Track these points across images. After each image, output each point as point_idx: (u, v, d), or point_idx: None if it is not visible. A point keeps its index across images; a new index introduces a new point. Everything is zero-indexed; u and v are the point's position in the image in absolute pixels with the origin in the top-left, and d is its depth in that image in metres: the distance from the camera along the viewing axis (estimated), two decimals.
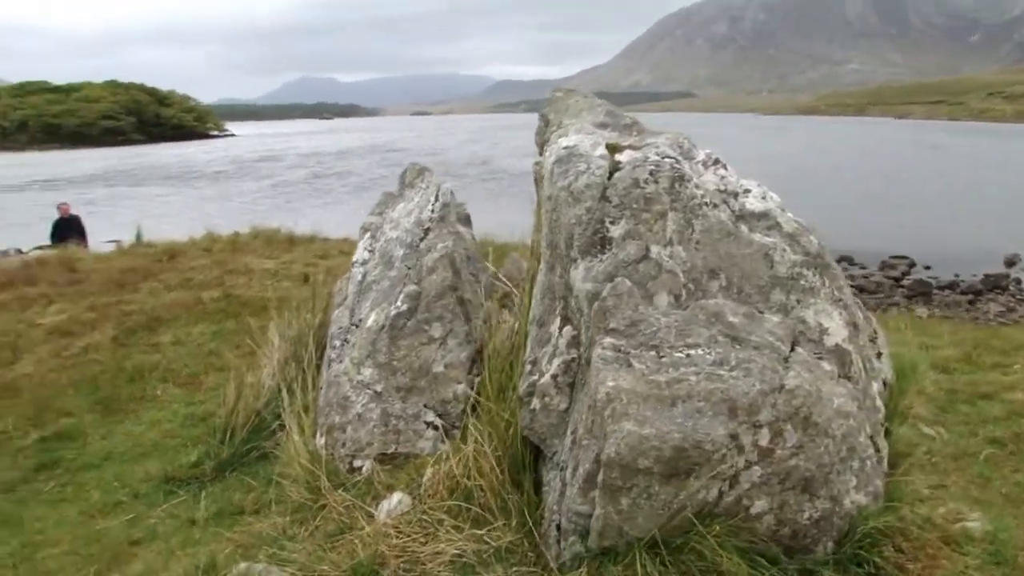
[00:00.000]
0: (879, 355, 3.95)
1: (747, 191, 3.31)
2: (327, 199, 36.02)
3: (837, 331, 3.10)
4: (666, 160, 3.13)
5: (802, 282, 3.11)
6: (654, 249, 2.96)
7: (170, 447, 4.85)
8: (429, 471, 3.49)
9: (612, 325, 2.81)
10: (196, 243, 13.98)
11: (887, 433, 3.46)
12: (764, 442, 2.72)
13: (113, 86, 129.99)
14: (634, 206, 3.00)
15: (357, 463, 3.80)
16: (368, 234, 4.64)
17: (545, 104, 3.87)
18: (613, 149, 3.21)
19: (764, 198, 3.30)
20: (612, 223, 2.99)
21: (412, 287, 4.08)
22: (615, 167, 3.11)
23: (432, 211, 4.31)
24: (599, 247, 2.98)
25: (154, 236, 15.33)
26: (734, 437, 2.66)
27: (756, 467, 2.71)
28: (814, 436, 2.78)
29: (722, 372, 2.72)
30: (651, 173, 3.05)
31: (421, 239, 4.25)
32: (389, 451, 3.79)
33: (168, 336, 7.36)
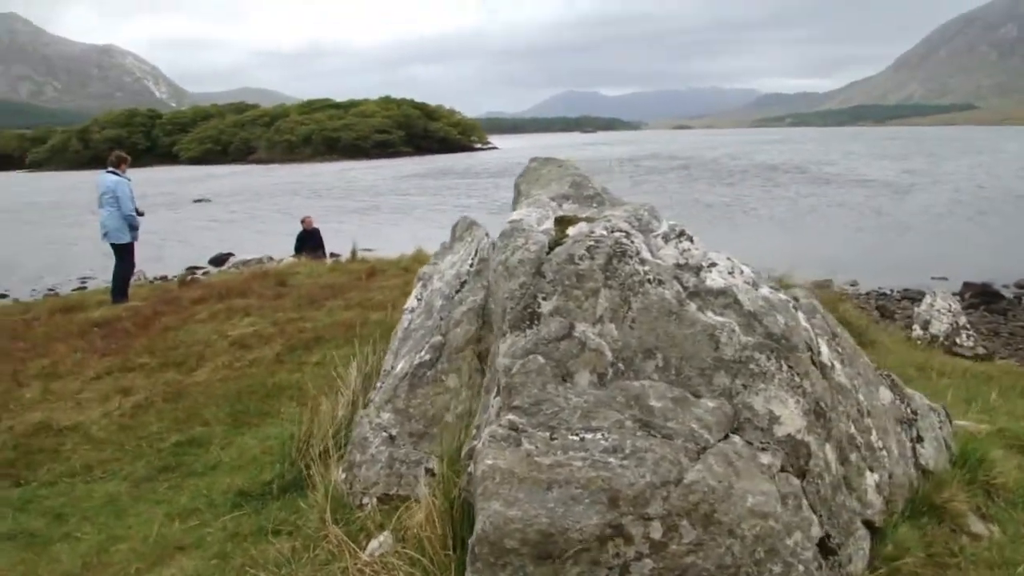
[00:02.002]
0: (918, 438, 3.61)
1: (712, 265, 3.19)
2: None
3: (791, 420, 2.92)
4: (614, 235, 3.11)
5: (751, 366, 2.95)
6: (580, 327, 2.96)
7: (263, 463, 5.42)
8: (416, 517, 3.69)
9: (516, 402, 2.86)
10: (399, 261, 15.02)
11: (875, 530, 3.16)
12: (657, 536, 2.64)
13: (386, 102, 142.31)
14: (566, 283, 3.01)
15: (364, 500, 4.09)
16: (420, 283, 4.92)
17: (522, 173, 3.92)
18: (565, 222, 3.23)
19: (730, 273, 3.16)
20: (544, 299, 3.02)
21: (438, 338, 4.29)
22: (556, 242, 3.14)
23: (470, 265, 4.50)
24: (528, 323, 3.02)
25: (401, 249, 16.54)
26: (617, 528, 2.61)
27: (648, 559, 2.64)
28: (716, 535, 2.65)
29: (611, 460, 2.68)
30: (588, 249, 3.04)
31: (456, 291, 4.46)
32: (391, 492, 4.03)
33: (316, 356, 8.12)
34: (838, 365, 3.27)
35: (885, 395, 3.56)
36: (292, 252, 19.64)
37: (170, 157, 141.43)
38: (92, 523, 4.77)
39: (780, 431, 2.90)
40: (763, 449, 2.86)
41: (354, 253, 16.87)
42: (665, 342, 2.98)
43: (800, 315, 3.18)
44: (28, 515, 5.03)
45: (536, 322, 3.01)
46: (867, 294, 20.24)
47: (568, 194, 3.48)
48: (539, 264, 3.07)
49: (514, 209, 3.73)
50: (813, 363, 3.10)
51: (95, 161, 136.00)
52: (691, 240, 3.23)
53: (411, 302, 4.86)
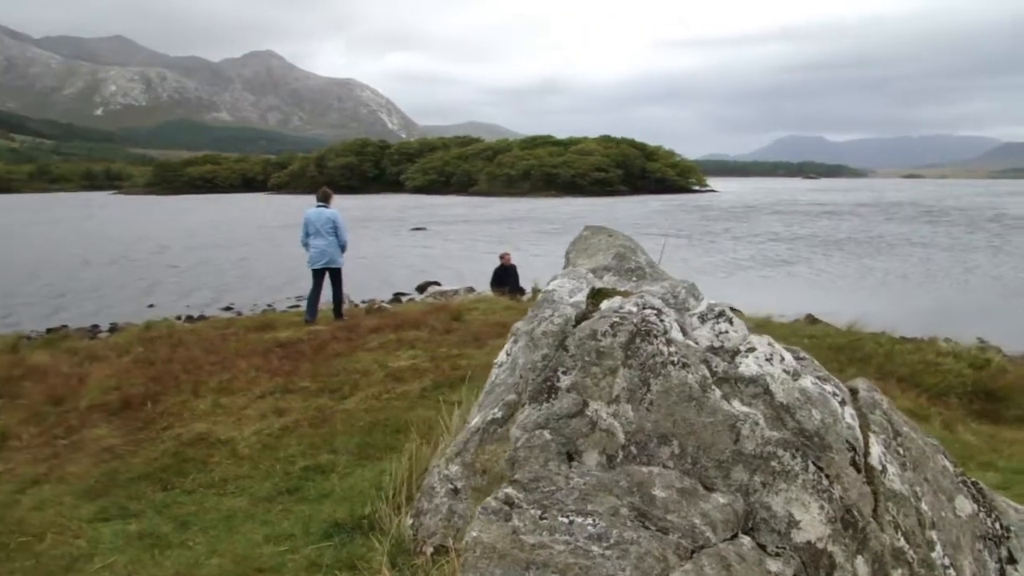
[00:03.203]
0: (1009, 559, 3.24)
1: (750, 350, 3.02)
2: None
3: (812, 526, 2.70)
4: (644, 312, 3.03)
5: (773, 463, 2.76)
6: (593, 405, 2.91)
7: (367, 498, 5.66)
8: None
9: (516, 476, 2.85)
10: None
11: None
12: None
13: (605, 140, 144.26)
14: (586, 359, 2.97)
15: (424, 549, 4.19)
16: (513, 338, 4.99)
17: (574, 241, 3.85)
18: (601, 296, 3.19)
19: (768, 360, 2.98)
20: (564, 373, 3.00)
21: (512, 396, 4.34)
22: (584, 315, 3.10)
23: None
24: (546, 396, 3.01)
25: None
26: None
27: None
28: None
29: (594, 548, 2.59)
30: (611, 326, 2.99)
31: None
32: (447, 544, 4.10)
33: (457, 395, 8.36)
34: (893, 468, 2.96)
35: (964, 506, 3.17)
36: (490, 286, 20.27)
37: (396, 185, 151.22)
38: (205, 534, 5.22)
39: (799, 537, 2.68)
40: (776, 555, 2.66)
41: (535, 291, 17.23)
42: (683, 429, 2.85)
43: (846, 411, 2.93)
44: (161, 519, 5.59)
45: (553, 396, 2.99)
46: None
47: (610, 266, 3.44)
48: (563, 337, 3.06)
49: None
50: (854, 465, 2.84)
51: (327, 186, 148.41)
52: (730, 322, 3.08)
53: (501, 356, 4.93)
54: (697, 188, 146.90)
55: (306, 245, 13.95)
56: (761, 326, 12.69)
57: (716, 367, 2.95)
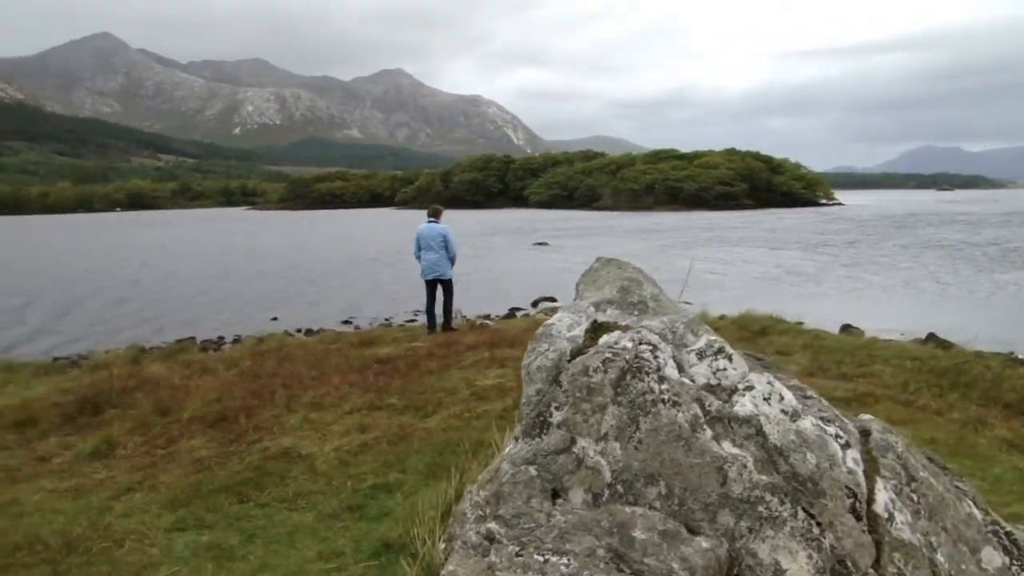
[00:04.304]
0: None
1: (748, 388, 2.92)
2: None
3: None
4: (640, 347, 2.99)
5: (760, 508, 2.67)
6: (581, 443, 2.89)
7: (424, 519, 5.77)
8: None
9: (500, 511, 2.86)
10: (732, 321, 14.67)
11: None
12: None
13: (730, 154, 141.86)
14: (577, 395, 2.95)
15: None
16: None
17: (584, 273, 3.77)
18: (601, 330, 3.16)
19: (766, 399, 2.88)
20: (557, 409, 2.99)
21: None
22: (580, 350, 3.08)
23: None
24: (537, 431, 3.01)
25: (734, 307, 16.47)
26: None
27: None
28: None
29: None
30: (603, 362, 2.95)
31: None
32: None
33: None
34: (902, 516, 2.79)
35: (992, 558, 2.95)
36: None
37: (520, 200, 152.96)
38: (266, 548, 5.45)
39: None
40: None
41: None
42: (670, 469, 2.79)
43: (848, 454, 2.79)
44: (232, 531, 5.88)
45: (544, 431, 2.98)
46: None
47: (613, 299, 3.37)
48: (557, 372, 3.05)
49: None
50: (854, 512, 2.70)
51: (452, 201, 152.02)
52: (729, 359, 2.98)
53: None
54: (824, 201, 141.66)
55: (418, 258, 14.71)
56: (863, 347, 12.11)
57: (709, 406, 2.87)
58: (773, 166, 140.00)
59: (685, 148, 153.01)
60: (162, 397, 10.18)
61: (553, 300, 30.08)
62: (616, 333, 3.11)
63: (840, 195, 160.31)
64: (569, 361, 3.06)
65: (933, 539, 2.85)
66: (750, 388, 2.90)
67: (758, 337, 12.07)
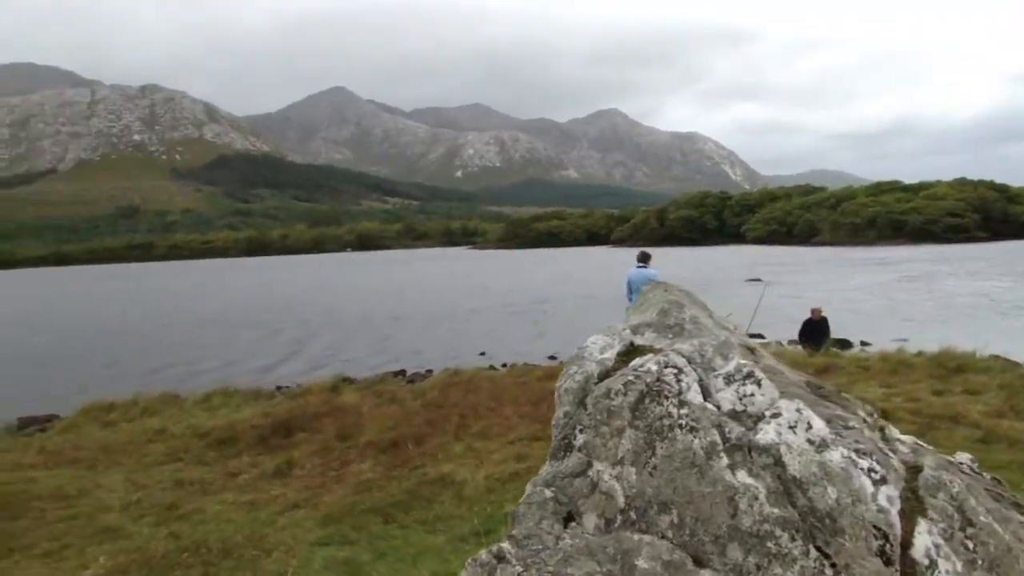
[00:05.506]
0: None
1: (775, 415, 2.75)
2: None
3: None
4: (665, 370, 2.91)
5: (769, 543, 2.50)
6: (597, 466, 2.84)
7: None
8: None
9: (514, 531, 2.86)
10: (904, 359, 13.78)
11: None
12: None
13: (960, 184, 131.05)
14: (599, 417, 2.92)
15: None
16: None
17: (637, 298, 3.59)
18: (634, 353, 3.10)
19: (791, 427, 2.70)
20: (581, 432, 2.97)
21: None
22: (607, 373, 3.04)
23: None
24: (563, 453, 3.00)
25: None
26: None
27: None
28: None
29: None
30: (624, 384, 2.90)
31: None
32: None
33: None
34: (948, 565, 2.48)
35: None
36: (797, 338, 19.65)
37: (737, 237, 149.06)
38: (390, 567, 5.73)
39: None
40: None
41: (830, 345, 16.10)
42: (682, 497, 2.68)
43: (882, 491, 2.53)
44: (368, 549, 6.22)
45: (568, 454, 2.97)
46: None
47: (651, 321, 3.25)
48: (583, 395, 3.02)
49: None
50: (882, 555, 2.45)
51: (668, 238, 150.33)
52: (758, 384, 2.81)
53: None
54: None
55: (631, 300, 14.95)
56: None
57: (729, 433, 2.72)
58: (1010, 195, 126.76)
59: (909, 179, 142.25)
60: (346, 423, 10.98)
61: (761, 337, 28.86)
62: (647, 356, 3.04)
63: None
64: (596, 384, 3.03)
65: None
66: (776, 415, 2.73)
67: (952, 375, 10.93)
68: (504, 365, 24.57)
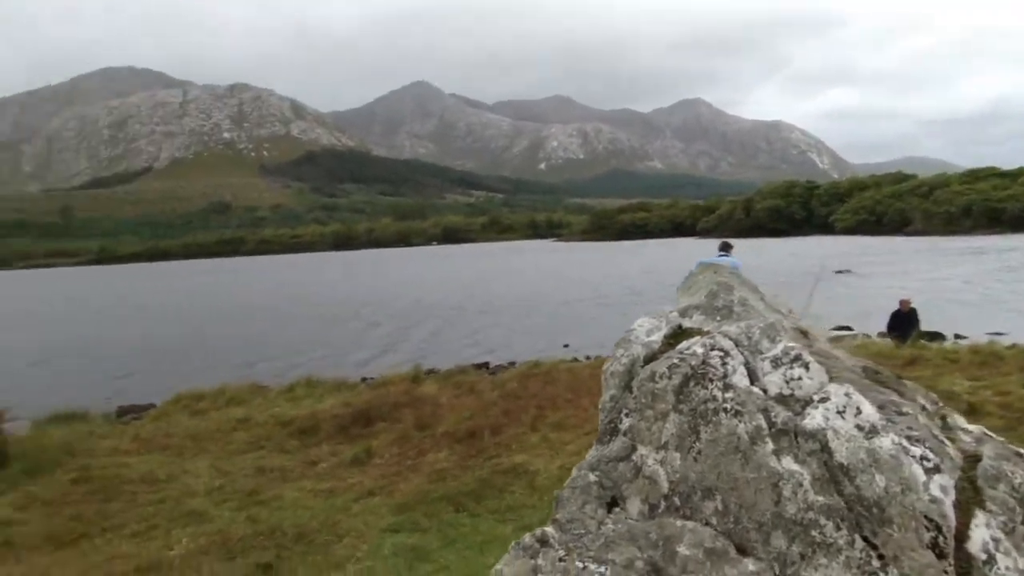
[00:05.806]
0: None
1: (823, 400, 2.67)
2: None
3: None
4: (711, 353, 2.85)
5: (813, 532, 2.42)
6: (641, 451, 2.81)
7: None
8: None
9: (558, 515, 2.86)
10: (996, 350, 13.23)
11: None
12: None
13: None
14: (643, 400, 2.88)
15: None
16: None
17: (685, 279, 3.46)
18: (682, 335, 3.05)
19: (839, 412, 2.60)
20: (626, 415, 2.93)
21: None
22: (653, 356, 3.00)
23: None
24: (609, 437, 2.97)
25: None
26: None
27: None
28: None
29: None
30: (669, 368, 2.85)
31: None
32: None
33: None
34: (1008, 561, 2.34)
35: None
36: (885, 330, 19.09)
37: (825, 227, 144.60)
38: (458, 554, 5.79)
39: None
40: None
41: (918, 336, 15.44)
42: (726, 483, 2.62)
43: (934, 480, 2.41)
44: (437, 536, 6.30)
45: (613, 438, 2.95)
46: None
47: (700, 304, 3.16)
48: (629, 378, 2.99)
49: None
50: (934, 548, 2.34)
51: (754, 229, 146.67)
52: (806, 367, 2.72)
53: None
54: None
55: None
56: None
57: (775, 417, 2.64)
58: None
59: (1008, 165, 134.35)
60: (424, 413, 11.14)
61: (849, 329, 27.88)
62: (694, 339, 2.98)
63: None
64: (641, 367, 2.99)
65: None
66: (825, 400, 2.63)
67: None
68: (588, 357, 24.48)
